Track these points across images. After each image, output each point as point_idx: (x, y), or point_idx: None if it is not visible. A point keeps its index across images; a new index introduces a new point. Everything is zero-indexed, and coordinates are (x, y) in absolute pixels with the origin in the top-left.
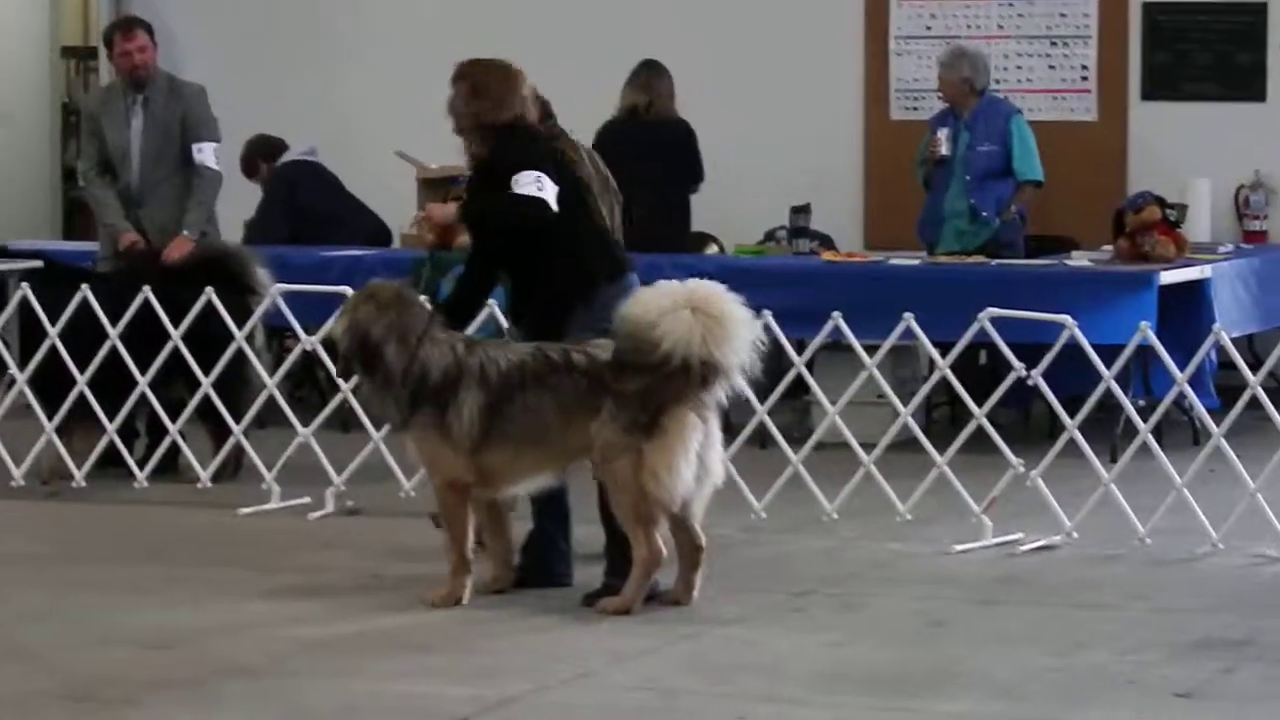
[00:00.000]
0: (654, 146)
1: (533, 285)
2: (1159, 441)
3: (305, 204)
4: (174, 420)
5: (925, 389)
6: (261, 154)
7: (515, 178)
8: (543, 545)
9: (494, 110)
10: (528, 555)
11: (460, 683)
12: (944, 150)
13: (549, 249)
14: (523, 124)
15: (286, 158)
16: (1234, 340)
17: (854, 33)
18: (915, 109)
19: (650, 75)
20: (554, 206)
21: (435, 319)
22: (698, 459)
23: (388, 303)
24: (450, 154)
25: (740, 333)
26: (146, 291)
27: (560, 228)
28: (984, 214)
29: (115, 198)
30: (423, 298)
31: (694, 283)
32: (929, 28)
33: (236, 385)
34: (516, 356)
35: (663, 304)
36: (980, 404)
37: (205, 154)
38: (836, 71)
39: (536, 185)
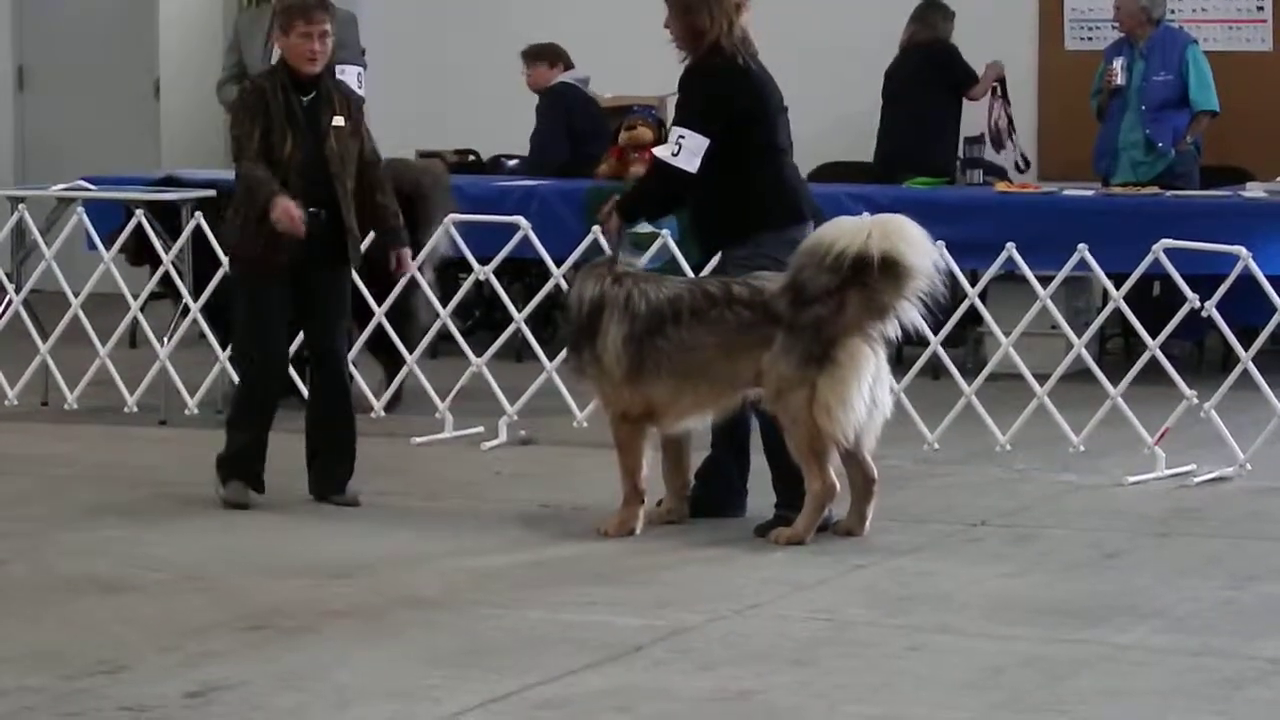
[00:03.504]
0: (915, 77)
1: (719, 208)
2: None
3: (578, 128)
4: None
5: (1099, 320)
6: (547, 56)
7: (672, 130)
8: (717, 475)
9: (691, 30)
10: (702, 484)
11: (634, 613)
12: (1119, 80)
13: (745, 184)
14: (733, 42)
15: (563, 78)
16: None
17: None
18: (1090, 39)
19: (924, 8)
20: (688, 169)
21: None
22: (869, 391)
23: (579, 275)
24: (628, 81)
25: (919, 236)
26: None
27: (753, 168)
28: (1160, 144)
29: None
30: (596, 227)
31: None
32: None
33: (401, 317)
34: (671, 290)
35: (839, 220)
36: (1154, 335)
37: (348, 76)
38: (1011, 2)
39: (674, 148)
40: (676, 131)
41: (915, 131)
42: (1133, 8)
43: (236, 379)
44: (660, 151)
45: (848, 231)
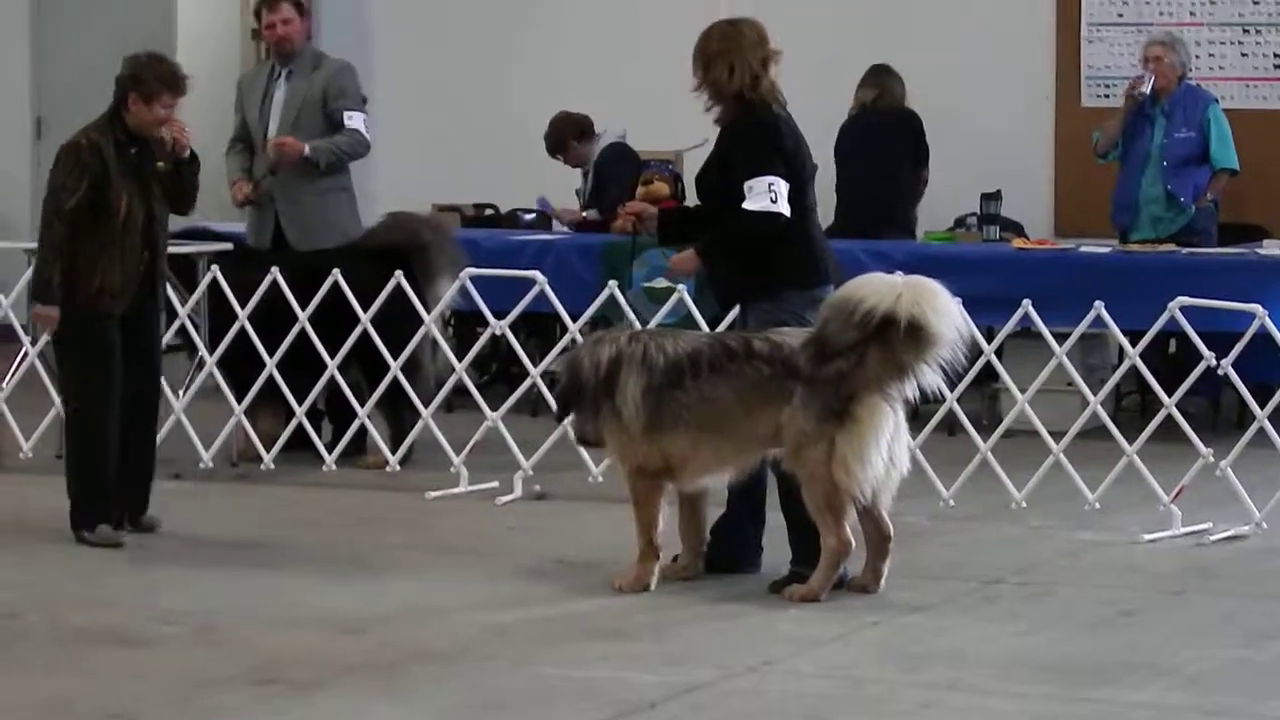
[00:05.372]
0: (882, 135)
1: (751, 268)
2: None
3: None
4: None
5: (1115, 377)
6: (572, 132)
7: (748, 185)
8: (732, 531)
9: (722, 78)
10: (717, 540)
11: (648, 669)
12: (1145, 88)
13: (776, 243)
14: (761, 94)
15: (608, 138)
16: None
17: (1045, 19)
18: (1106, 96)
19: (878, 74)
20: (786, 212)
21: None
22: (887, 448)
23: (587, 344)
24: (645, 136)
25: (949, 305)
26: (336, 275)
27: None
28: (1181, 199)
29: (243, 163)
30: (612, 282)
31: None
32: (1121, 15)
33: (409, 369)
34: (690, 344)
35: (872, 278)
36: (1170, 392)
37: (355, 121)
38: (1028, 58)
39: (770, 195)
40: (764, 180)
41: (887, 188)
42: (1170, 66)
43: (67, 426)
44: (753, 203)
45: (878, 290)
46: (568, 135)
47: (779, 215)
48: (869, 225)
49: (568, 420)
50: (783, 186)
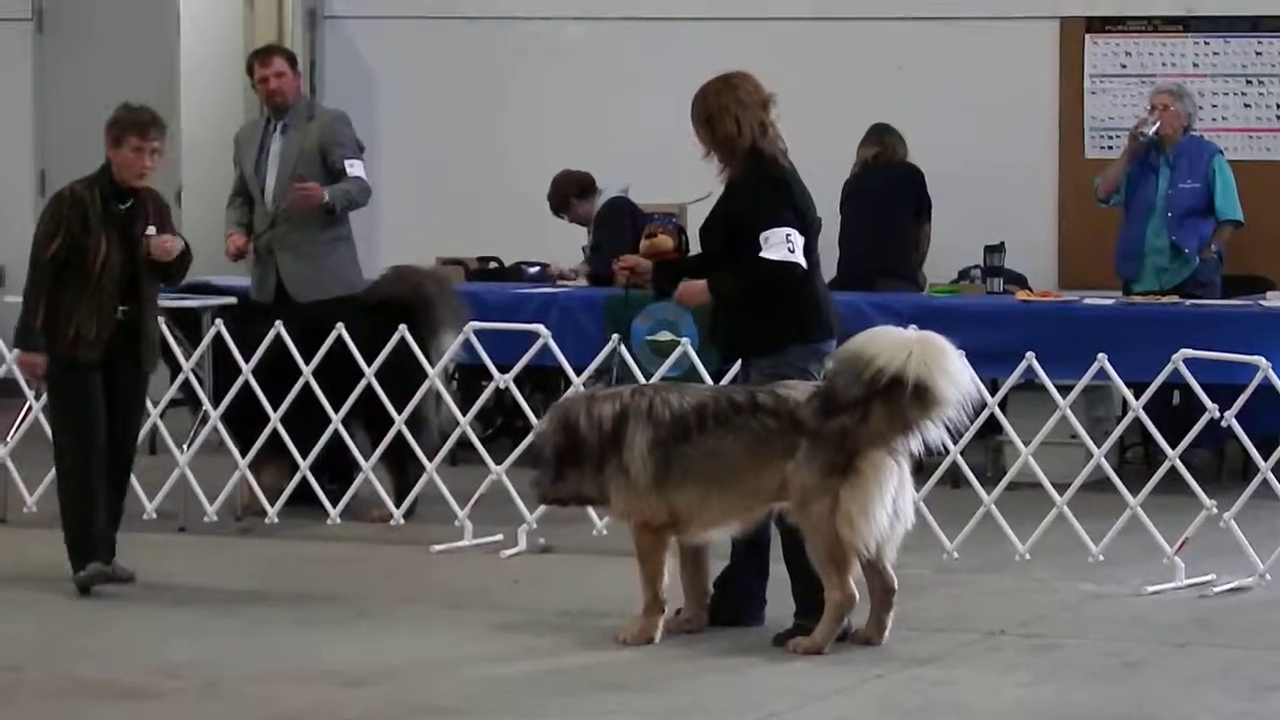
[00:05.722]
0: (884, 189)
1: (756, 320)
2: None
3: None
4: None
5: (1119, 430)
6: (573, 190)
7: (764, 236)
8: (736, 583)
9: (720, 139)
10: (721, 592)
11: None
12: (1150, 130)
13: (783, 296)
14: (770, 144)
15: (609, 194)
16: None
17: (1048, 71)
18: (1110, 148)
19: (880, 133)
20: (803, 264)
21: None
22: (891, 502)
23: (579, 401)
24: (648, 190)
25: (957, 368)
26: (340, 328)
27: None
28: (1186, 251)
29: (241, 217)
30: (615, 336)
31: (915, 329)
32: (1124, 65)
33: (414, 422)
34: (695, 398)
35: (884, 333)
36: (1174, 444)
37: (357, 169)
38: (1031, 110)
39: (788, 246)
40: (780, 231)
41: (890, 241)
42: (1183, 111)
43: (57, 472)
44: (772, 252)
45: (888, 349)
46: (569, 193)
47: (797, 265)
48: (872, 278)
49: (540, 480)
50: (798, 239)
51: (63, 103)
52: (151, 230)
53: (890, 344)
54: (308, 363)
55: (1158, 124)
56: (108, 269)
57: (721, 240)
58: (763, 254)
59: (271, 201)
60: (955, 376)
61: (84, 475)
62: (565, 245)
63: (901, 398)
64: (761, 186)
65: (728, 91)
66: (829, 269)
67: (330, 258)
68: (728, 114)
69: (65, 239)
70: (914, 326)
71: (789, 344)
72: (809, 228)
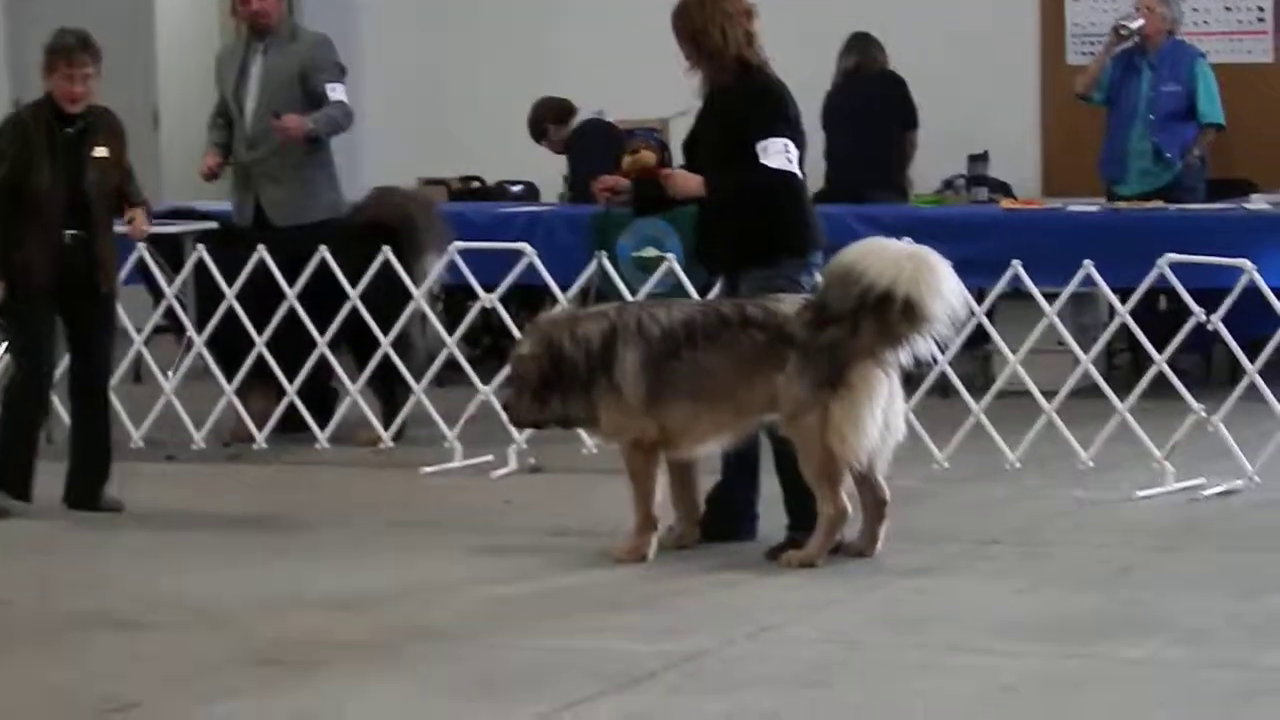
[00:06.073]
0: (868, 100)
1: (749, 233)
2: None
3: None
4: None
5: (1105, 336)
6: (550, 117)
7: (763, 145)
8: (727, 499)
9: (705, 50)
10: (712, 508)
11: (647, 639)
12: (1134, 25)
13: (776, 209)
14: (758, 54)
15: (581, 118)
16: None
17: None
18: (1092, 54)
19: (859, 41)
20: (801, 175)
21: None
22: (882, 415)
23: (560, 323)
24: (629, 104)
25: (948, 285)
26: (324, 251)
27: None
28: (1168, 155)
29: (219, 138)
30: (600, 252)
31: (909, 242)
32: None
33: (400, 345)
34: (682, 313)
35: (879, 246)
36: (1161, 349)
37: (338, 93)
38: (1011, 17)
39: (786, 156)
40: (779, 141)
41: (878, 152)
42: (1168, 14)
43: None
44: (772, 160)
45: (879, 265)
46: (546, 120)
47: (796, 175)
48: (861, 190)
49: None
50: (794, 150)
51: (37, 27)
52: (101, 151)
53: (881, 259)
54: (290, 287)
55: (1142, 22)
56: (53, 195)
57: (711, 151)
58: (764, 161)
59: (251, 123)
60: (946, 294)
61: (21, 403)
62: (548, 165)
63: (891, 313)
64: (754, 96)
65: (711, 3)
66: (814, 182)
67: (311, 183)
68: (713, 24)
69: (8, 166)
70: (908, 240)
71: (783, 256)
72: (801, 139)
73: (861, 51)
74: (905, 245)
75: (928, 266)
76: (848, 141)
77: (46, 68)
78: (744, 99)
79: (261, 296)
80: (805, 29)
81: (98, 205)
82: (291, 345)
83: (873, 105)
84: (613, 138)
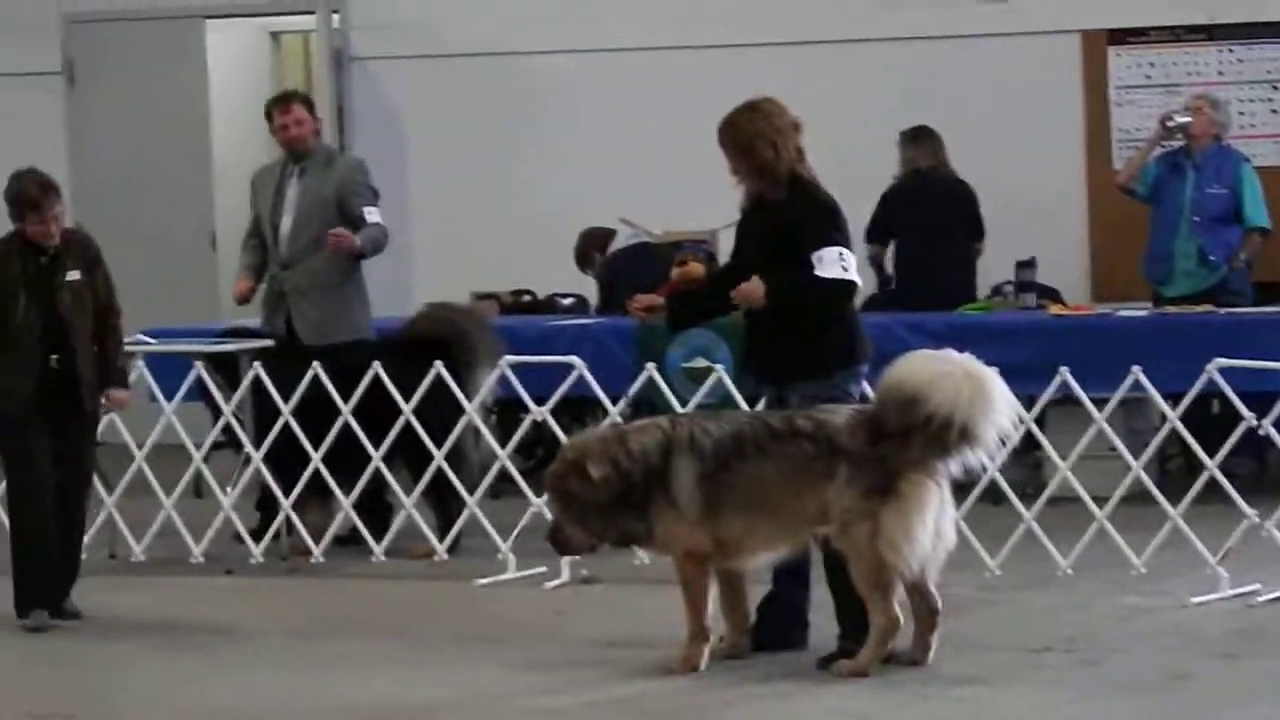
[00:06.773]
0: (940, 205)
1: (801, 345)
2: None
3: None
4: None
5: (1156, 441)
6: (596, 246)
7: (818, 255)
8: (778, 608)
9: (758, 166)
10: (764, 618)
11: None
12: (1180, 120)
13: (828, 320)
14: (804, 172)
15: (616, 246)
16: None
17: (1073, 84)
18: None
19: (928, 138)
20: (859, 282)
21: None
22: (933, 523)
23: (612, 440)
24: (673, 219)
25: (1002, 407)
26: (377, 368)
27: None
28: (1213, 258)
29: (252, 259)
30: (650, 364)
31: (964, 355)
32: (1148, 76)
33: (454, 458)
34: (732, 425)
35: (938, 366)
36: (1213, 454)
37: (375, 215)
38: (1057, 124)
39: (841, 265)
40: (833, 250)
41: (952, 261)
42: (1216, 117)
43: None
44: (828, 270)
45: (942, 392)
46: (591, 249)
47: (853, 283)
48: (935, 299)
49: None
50: (851, 257)
51: (96, 154)
52: (74, 275)
53: (943, 388)
54: (329, 404)
55: (1190, 119)
56: (28, 324)
57: (759, 263)
58: (817, 273)
59: (286, 244)
60: (999, 419)
61: (25, 525)
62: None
63: (948, 435)
64: (810, 209)
65: (760, 118)
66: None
67: (345, 302)
68: (763, 139)
69: None
70: (969, 355)
71: (835, 368)
72: (851, 250)
73: (916, 145)
74: (961, 363)
75: (984, 392)
76: (922, 251)
77: (14, 216)
78: (796, 213)
79: (315, 412)
80: (852, 143)
81: (76, 328)
82: (347, 460)
83: (946, 213)
84: (648, 257)
